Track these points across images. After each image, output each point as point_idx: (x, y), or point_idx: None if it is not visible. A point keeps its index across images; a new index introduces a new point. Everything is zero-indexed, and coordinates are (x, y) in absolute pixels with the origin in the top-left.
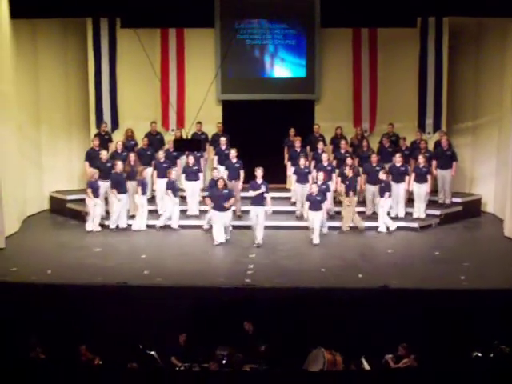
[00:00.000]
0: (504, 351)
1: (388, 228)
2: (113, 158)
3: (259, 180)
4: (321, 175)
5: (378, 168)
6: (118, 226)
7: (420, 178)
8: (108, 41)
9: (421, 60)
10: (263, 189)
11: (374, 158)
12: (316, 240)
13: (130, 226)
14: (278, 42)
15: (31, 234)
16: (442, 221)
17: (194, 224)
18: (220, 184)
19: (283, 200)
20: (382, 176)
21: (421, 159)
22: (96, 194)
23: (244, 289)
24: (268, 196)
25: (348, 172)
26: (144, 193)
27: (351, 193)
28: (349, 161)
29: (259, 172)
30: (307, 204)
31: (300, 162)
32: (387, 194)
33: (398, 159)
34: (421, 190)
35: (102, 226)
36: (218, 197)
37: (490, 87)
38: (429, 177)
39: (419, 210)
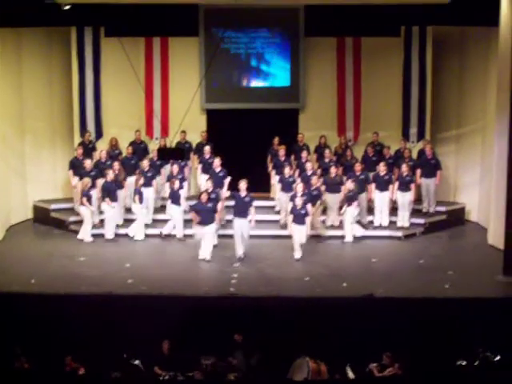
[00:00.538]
0: (489, 359)
1: (354, 235)
2: (97, 167)
3: (243, 193)
4: (300, 186)
5: (362, 177)
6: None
7: (404, 187)
8: (92, 50)
9: (405, 69)
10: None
11: (358, 166)
12: (297, 255)
13: (117, 235)
14: (262, 51)
15: (15, 243)
16: (426, 229)
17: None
18: (204, 198)
19: (267, 209)
20: (350, 185)
21: (404, 168)
22: (90, 203)
23: (228, 298)
24: (253, 208)
25: (314, 181)
26: (141, 202)
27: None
28: (333, 170)
29: (243, 185)
30: (291, 217)
31: (285, 171)
32: (355, 203)
33: (381, 168)
34: (404, 199)
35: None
36: (201, 211)
37: (473, 96)
38: (412, 185)
39: (403, 219)
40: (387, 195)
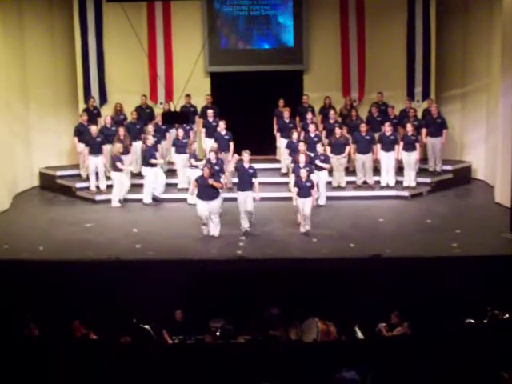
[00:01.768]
0: (497, 317)
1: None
2: (102, 133)
3: (246, 164)
4: (302, 156)
5: (367, 137)
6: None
7: (409, 147)
8: (94, 15)
9: (408, 28)
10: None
11: (363, 127)
12: (304, 229)
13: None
14: (265, 13)
15: (22, 211)
16: (433, 189)
17: (185, 197)
18: (206, 172)
19: (273, 171)
20: (320, 149)
21: (409, 127)
22: (119, 169)
23: (236, 261)
24: (256, 181)
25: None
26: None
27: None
28: (337, 131)
29: (246, 156)
30: (295, 190)
31: (293, 136)
32: (327, 165)
33: (387, 128)
34: (410, 159)
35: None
36: (203, 185)
37: (478, 54)
38: (417, 145)
39: (410, 179)
40: (393, 155)
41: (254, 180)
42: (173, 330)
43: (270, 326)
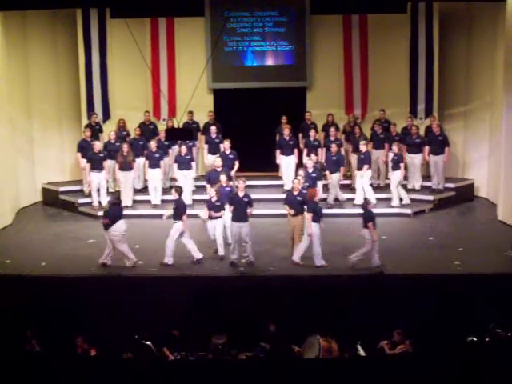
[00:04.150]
0: (499, 335)
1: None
2: (105, 149)
3: (241, 193)
4: (297, 182)
5: (334, 158)
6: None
7: (392, 166)
8: (98, 31)
9: (411, 45)
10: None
11: (333, 147)
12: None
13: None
14: (268, 30)
15: (25, 226)
16: (435, 206)
17: (187, 213)
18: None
19: (276, 188)
20: (362, 147)
21: (394, 147)
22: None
23: (238, 277)
24: (251, 210)
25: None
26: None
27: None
28: (331, 149)
29: (241, 184)
30: (286, 207)
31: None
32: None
33: (362, 147)
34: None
35: None
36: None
37: (481, 71)
38: (401, 165)
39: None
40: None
41: (248, 209)
42: (174, 347)
43: (270, 342)
